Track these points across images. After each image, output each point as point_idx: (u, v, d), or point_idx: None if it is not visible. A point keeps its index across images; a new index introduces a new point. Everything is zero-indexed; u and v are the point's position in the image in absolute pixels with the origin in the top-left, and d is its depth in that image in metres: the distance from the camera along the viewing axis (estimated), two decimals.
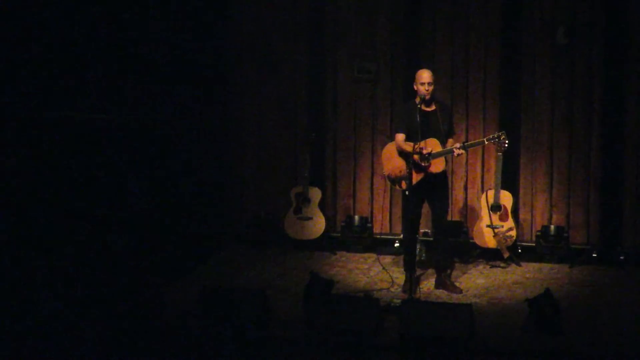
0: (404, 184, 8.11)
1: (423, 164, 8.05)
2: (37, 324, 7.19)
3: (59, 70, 8.36)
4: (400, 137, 8.18)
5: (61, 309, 7.39)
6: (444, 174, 8.25)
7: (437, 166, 8.12)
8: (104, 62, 8.33)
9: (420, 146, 7.94)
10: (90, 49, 8.33)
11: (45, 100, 8.28)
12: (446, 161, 8.27)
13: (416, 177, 8.05)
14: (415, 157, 7.99)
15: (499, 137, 8.28)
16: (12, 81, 8.18)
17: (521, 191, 9.82)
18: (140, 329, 7.19)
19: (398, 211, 9.99)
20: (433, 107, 8.19)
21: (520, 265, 9.27)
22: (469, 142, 8.46)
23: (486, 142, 8.35)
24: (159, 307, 7.60)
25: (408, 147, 8.05)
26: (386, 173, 8.33)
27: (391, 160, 8.24)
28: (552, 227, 9.58)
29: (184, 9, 9.51)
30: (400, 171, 8.15)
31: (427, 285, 8.57)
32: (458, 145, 8.15)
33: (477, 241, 9.42)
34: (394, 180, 8.24)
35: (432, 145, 8.05)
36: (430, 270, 8.90)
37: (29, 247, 8.07)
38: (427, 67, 8.35)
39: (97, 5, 8.45)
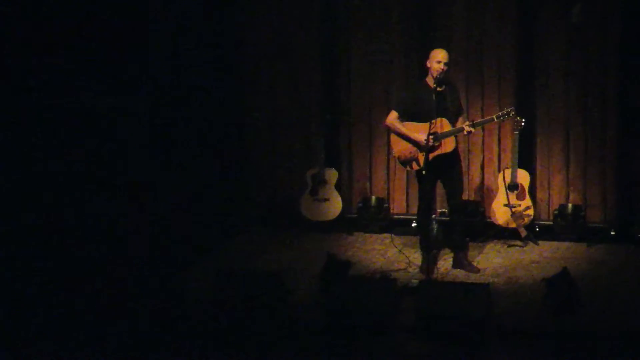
0: (414, 165, 8.11)
1: (434, 144, 8.03)
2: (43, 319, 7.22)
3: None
4: (394, 115, 8.21)
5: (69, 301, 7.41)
6: (455, 152, 8.22)
7: (447, 146, 8.10)
8: (111, 42, 8.28)
9: (431, 133, 7.90)
10: (97, 30, 8.27)
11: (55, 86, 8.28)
12: (457, 140, 8.23)
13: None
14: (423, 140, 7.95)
15: (508, 113, 8.24)
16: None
17: (538, 170, 9.79)
18: (160, 318, 7.20)
19: (415, 191, 9.96)
20: (443, 87, 8.17)
21: (537, 244, 9.25)
22: (478, 121, 8.44)
23: (495, 120, 8.32)
24: (177, 295, 7.61)
25: (404, 128, 8.12)
26: (396, 155, 8.30)
27: (400, 142, 8.22)
28: (570, 205, 9.55)
29: None
30: (410, 152, 8.14)
31: (445, 265, 8.57)
32: (468, 123, 8.14)
33: (495, 220, 9.41)
34: (404, 162, 8.23)
35: (442, 124, 8.03)
36: (447, 250, 8.89)
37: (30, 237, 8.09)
38: (442, 47, 8.31)
39: None
